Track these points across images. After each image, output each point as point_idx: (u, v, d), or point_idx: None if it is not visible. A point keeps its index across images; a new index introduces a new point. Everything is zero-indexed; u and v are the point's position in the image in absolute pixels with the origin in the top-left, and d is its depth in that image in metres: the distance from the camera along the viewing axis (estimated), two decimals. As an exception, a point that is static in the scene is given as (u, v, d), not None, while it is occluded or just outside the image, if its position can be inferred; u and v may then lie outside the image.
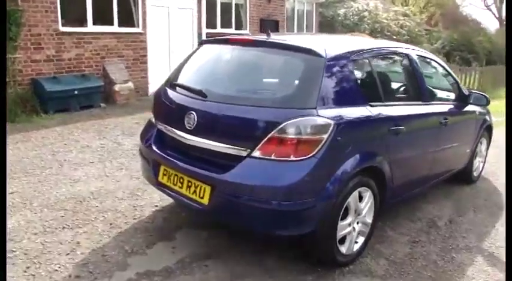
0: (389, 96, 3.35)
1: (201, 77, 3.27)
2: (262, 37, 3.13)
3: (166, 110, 3.25)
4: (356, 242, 3.06)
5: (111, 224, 3.49)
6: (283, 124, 2.54)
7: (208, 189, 2.74)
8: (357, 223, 3.02)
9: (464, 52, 18.56)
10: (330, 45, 3.03)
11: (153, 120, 3.35)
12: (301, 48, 2.86)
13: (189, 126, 2.87)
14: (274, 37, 3.13)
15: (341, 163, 2.69)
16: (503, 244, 3.58)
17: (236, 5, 11.45)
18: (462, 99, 4.27)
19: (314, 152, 2.56)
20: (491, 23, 29.92)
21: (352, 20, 17.97)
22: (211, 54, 3.43)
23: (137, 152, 5.25)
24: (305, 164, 2.55)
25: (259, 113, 2.67)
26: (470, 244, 3.54)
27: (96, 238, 3.25)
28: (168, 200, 3.98)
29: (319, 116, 2.59)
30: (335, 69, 2.79)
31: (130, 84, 8.67)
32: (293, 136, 2.54)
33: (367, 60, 3.13)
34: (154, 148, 3.16)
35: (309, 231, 2.69)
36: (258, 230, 2.82)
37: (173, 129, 3.03)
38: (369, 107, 2.96)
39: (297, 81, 2.75)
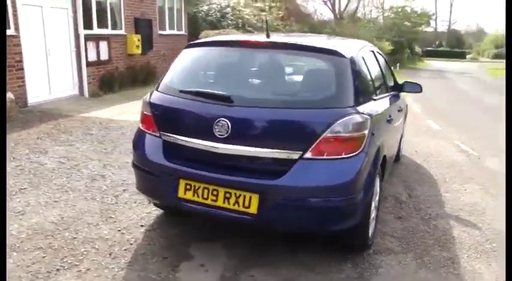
0: (378, 89, 3.63)
1: (220, 82, 3.06)
2: (263, 38, 3.09)
3: (181, 119, 2.95)
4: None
5: (110, 254, 3.04)
6: (335, 124, 2.59)
7: (255, 197, 2.61)
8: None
9: (315, 43, 20.62)
10: (339, 45, 3.14)
11: (153, 131, 3.00)
12: (324, 50, 2.94)
13: (220, 135, 2.67)
14: (275, 38, 3.12)
15: (375, 155, 2.86)
16: (460, 207, 4.22)
17: (110, 4, 10.64)
18: (398, 87, 4.82)
19: (361, 148, 2.67)
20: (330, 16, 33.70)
21: (214, 16, 18.26)
22: (216, 57, 3.21)
23: (70, 170, 4.70)
24: (355, 160, 2.64)
25: (306, 115, 2.66)
26: (439, 212, 4.08)
27: (109, 274, 2.80)
28: (151, 217, 3.63)
29: (359, 113, 2.70)
30: (355, 68, 2.92)
31: (10, 95, 7.42)
32: (344, 134, 2.61)
33: (363, 58, 3.33)
34: (165, 161, 2.85)
35: (356, 223, 2.79)
36: (309, 230, 2.81)
37: (195, 139, 2.78)
38: (374, 101, 3.16)
39: (332, 82, 2.80)
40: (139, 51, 11.41)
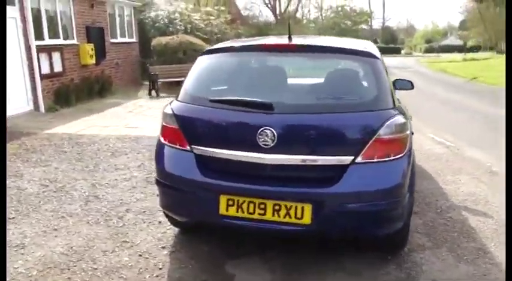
0: None
1: (254, 89, 2.89)
2: (285, 41, 2.98)
3: (217, 131, 2.76)
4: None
5: (142, 282, 2.79)
6: (383, 126, 2.54)
7: (308, 207, 2.49)
8: None
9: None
10: (366, 46, 3.08)
11: (181, 145, 2.78)
12: (358, 51, 2.88)
13: (265, 145, 2.52)
14: (298, 40, 3.02)
15: (412, 154, 2.84)
16: (463, 198, 4.34)
17: (61, 12, 10.01)
18: (391, 85, 4.87)
19: (406, 149, 2.64)
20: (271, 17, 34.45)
21: (162, 22, 17.81)
22: (242, 63, 3.04)
23: (57, 193, 4.30)
24: (402, 161, 2.60)
25: (353, 118, 2.59)
26: (447, 204, 4.16)
27: (151, 304, 2.56)
28: (168, 237, 3.40)
29: (401, 113, 2.67)
30: (386, 69, 2.89)
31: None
32: (391, 136, 2.56)
33: None
34: (202, 176, 2.65)
35: (404, 223, 2.75)
36: (362, 235, 2.73)
37: (236, 151, 2.61)
38: (398, 101, 3.15)
39: (372, 84, 2.75)
40: (93, 61, 10.86)
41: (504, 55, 34.94)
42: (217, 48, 3.14)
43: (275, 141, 2.50)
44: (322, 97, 2.81)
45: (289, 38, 2.98)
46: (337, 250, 3.14)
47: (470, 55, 36.70)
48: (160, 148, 2.91)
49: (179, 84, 11.80)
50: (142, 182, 4.72)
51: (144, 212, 3.92)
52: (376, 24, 63.50)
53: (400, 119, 2.62)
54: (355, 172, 2.51)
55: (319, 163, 2.53)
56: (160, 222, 3.67)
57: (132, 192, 4.43)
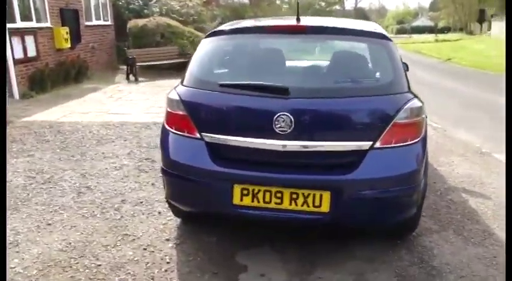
0: None
1: (267, 73, 2.75)
2: (293, 22, 2.85)
3: (229, 117, 2.63)
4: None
5: (152, 279, 2.67)
6: (402, 110, 2.47)
7: (327, 195, 2.42)
8: None
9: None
10: (377, 27, 2.98)
11: (189, 132, 2.65)
12: (373, 33, 2.77)
13: (282, 131, 2.42)
14: (306, 21, 2.89)
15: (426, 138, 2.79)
16: (460, 179, 4.37)
17: (32, -8, 9.49)
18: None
19: (422, 133, 2.59)
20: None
21: (137, 4, 17.24)
22: (252, 45, 2.91)
23: (46, 185, 4.10)
24: (418, 145, 2.55)
25: (371, 102, 2.51)
26: (445, 186, 4.18)
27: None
28: (170, 228, 3.28)
29: (417, 97, 2.60)
30: (397, 50, 2.80)
31: None
32: (409, 120, 2.50)
33: None
34: (214, 165, 2.53)
35: (419, 208, 2.72)
36: (379, 222, 2.67)
37: (251, 138, 2.49)
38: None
39: (388, 67, 2.64)
40: (68, 45, 10.40)
41: (474, 36, 35.67)
42: (223, 30, 2.98)
43: (292, 127, 2.40)
44: (338, 81, 2.70)
45: (298, 19, 2.86)
46: (346, 239, 3.09)
47: (441, 36, 37.21)
48: (165, 135, 2.77)
49: (159, 68, 11.40)
50: (134, 171, 4.55)
51: (141, 202, 3.77)
52: (349, 5, 63.68)
53: (416, 102, 2.55)
54: (373, 158, 2.44)
55: (337, 149, 2.45)
56: (159, 212, 3.54)
57: (124, 181, 4.26)
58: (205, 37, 2.90)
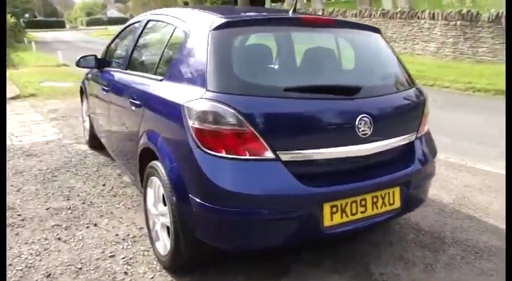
0: None
1: (319, 72, 2.42)
2: (287, 14, 2.60)
3: (307, 127, 2.14)
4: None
5: None
6: (425, 100, 2.63)
7: (396, 191, 2.36)
8: None
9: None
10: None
11: (259, 154, 2.03)
12: (372, 28, 2.75)
13: (364, 134, 2.21)
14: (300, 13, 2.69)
15: None
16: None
17: None
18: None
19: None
20: None
21: None
22: (277, 40, 2.50)
23: None
24: (429, 131, 2.77)
25: (410, 96, 2.56)
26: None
27: None
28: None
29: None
30: None
31: None
32: (427, 110, 2.67)
33: None
34: (305, 187, 2.04)
35: None
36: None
37: (336, 148, 2.16)
38: None
39: (395, 60, 2.69)
40: None
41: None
42: (238, 21, 2.35)
43: (371, 128, 2.25)
44: (385, 76, 2.62)
45: (294, 11, 2.61)
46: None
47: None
48: (211, 165, 2.04)
49: None
50: None
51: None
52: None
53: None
54: (419, 147, 2.52)
55: (399, 143, 2.44)
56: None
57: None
58: (215, 29, 2.24)
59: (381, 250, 2.72)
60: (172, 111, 2.25)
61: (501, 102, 7.48)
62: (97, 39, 28.57)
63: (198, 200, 2.05)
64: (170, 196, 2.22)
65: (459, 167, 4.23)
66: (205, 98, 2.06)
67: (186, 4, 29.21)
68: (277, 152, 2.04)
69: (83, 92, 4.74)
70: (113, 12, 60.15)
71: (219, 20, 2.28)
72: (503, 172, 4.04)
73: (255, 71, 2.25)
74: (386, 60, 2.67)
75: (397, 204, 2.38)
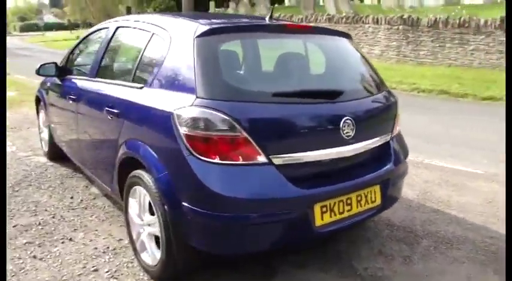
0: None
1: (305, 77, 2.51)
2: (263, 21, 2.65)
3: (296, 131, 2.19)
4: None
5: None
6: (397, 102, 2.78)
7: (377, 189, 2.48)
8: None
9: None
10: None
11: (251, 159, 2.05)
12: (342, 33, 2.86)
13: (348, 136, 2.30)
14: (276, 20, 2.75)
15: None
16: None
17: None
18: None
19: None
20: None
21: None
22: (261, 46, 2.37)
23: None
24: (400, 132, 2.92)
25: (383, 99, 2.69)
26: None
27: None
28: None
29: None
30: None
31: None
32: (398, 112, 2.81)
33: None
34: (293, 189, 2.09)
35: None
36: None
37: (323, 150, 2.22)
38: None
39: (367, 64, 2.81)
40: None
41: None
42: (222, 28, 2.37)
43: (354, 130, 2.35)
44: (357, 80, 2.72)
45: (271, 18, 2.67)
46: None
47: (77, 32, 37.08)
48: (205, 171, 2.03)
49: None
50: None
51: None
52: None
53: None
54: (394, 147, 2.66)
55: (378, 143, 2.56)
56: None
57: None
58: (200, 36, 2.24)
59: (361, 247, 2.84)
60: (159, 119, 2.23)
61: (444, 102, 8.14)
62: (33, 46, 27.23)
63: (193, 207, 2.05)
64: (160, 204, 2.19)
65: (417, 164, 4.47)
66: (196, 105, 2.06)
67: (128, 9, 28.54)
68: (270, 156, 2.09)
69: (39, 101, 4.52)
70: (49, 18, 57.54)
71: (202, 27, 2.29)
72: (458, 167, 4.41)
73: (242, 77, 2.31)
74: (361, 65, 2.80)
75: (378, 201, 2.50)
